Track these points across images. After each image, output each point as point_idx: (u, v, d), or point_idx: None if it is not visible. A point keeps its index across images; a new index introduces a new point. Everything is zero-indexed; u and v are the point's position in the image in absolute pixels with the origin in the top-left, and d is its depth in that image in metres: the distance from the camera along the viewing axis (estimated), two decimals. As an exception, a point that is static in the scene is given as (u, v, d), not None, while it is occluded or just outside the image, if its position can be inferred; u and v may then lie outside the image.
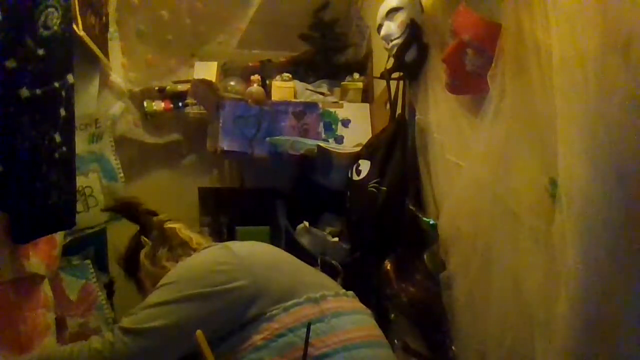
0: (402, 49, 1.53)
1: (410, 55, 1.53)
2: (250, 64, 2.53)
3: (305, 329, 1.01)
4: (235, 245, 1.24)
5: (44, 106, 1.14)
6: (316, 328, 1.07)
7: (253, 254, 1.22)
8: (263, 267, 1.18)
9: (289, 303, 1.10)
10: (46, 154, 1.15)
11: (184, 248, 1.32)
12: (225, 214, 2.24)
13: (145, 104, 2.41)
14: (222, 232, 2.15)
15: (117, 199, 1.60)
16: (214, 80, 2.31)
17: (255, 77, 2.39)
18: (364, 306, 1.27)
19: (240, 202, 2.30)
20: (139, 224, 1.43)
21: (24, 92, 1.07)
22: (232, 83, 2.44)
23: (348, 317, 1.15)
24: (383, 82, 1.81)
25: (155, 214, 1.41)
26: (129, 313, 1.14)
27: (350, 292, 1.27)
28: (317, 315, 1.09)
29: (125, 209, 1.48)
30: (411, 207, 1.53)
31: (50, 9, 1.13)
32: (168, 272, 1.22)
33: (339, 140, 2.25)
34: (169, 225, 1.37)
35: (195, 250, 1.31)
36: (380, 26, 1.59)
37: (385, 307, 1.57)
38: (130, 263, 1.40)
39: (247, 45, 2.52)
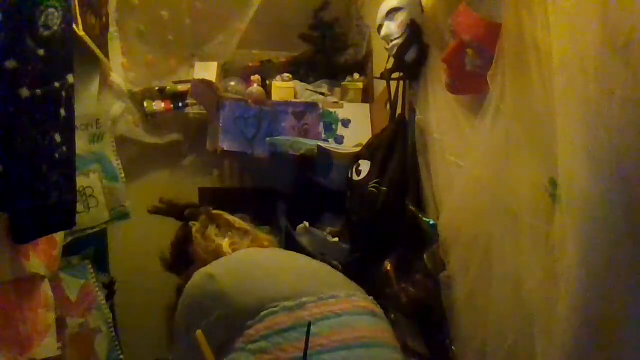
0: (402, 49, 1.53)
1: (410, 55, 1.54)
2: (250, 64, 2.54)
3: (276, 336, 1.07)
4: (220, 270, 1.22)
5: (44, 106, 1.14)
6: (289, 335, 1.09)
7: (240, 278, 1.22)
8: (242, 283, 1.19)
9: (262, 313, 1.13)
10: (46, 154, 1.15)
11: (229, 227, 1.49)
12: (225, 214, 2.24)
13: (145, 104, 2.41)
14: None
15: (160, 201, 1.70)
16: (214, 80, 2.31)
17: (255, 77, 2.40)
18: (366, 304, 1.21)
19: (240, 202, 2.29)
20: (184, 219, 1.56)
21: (24, 92, 1.07)
22: (232, 83, 2.44)
23: (328, 321, 1.13)
24: (383, 82, 1.81)
25: (197, 205, 1.64)
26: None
27: (346, 292, 1.20)
28: (288, 324, 1.10)
29: (170, 210, 1.63)
30: (411, 207, 1.53)
31: (50, 9, 1.13)
32: (217, 246, 1.41)
33: (339, 140, 2.25)
34: (214, 211, 1.55)
35: (238, 229, 1.49)
36: (380, 26, 1.59)
37: (385, 307, 1.56)
38: (181, 245, 1.53)
39: (247, 45, 2.51)
